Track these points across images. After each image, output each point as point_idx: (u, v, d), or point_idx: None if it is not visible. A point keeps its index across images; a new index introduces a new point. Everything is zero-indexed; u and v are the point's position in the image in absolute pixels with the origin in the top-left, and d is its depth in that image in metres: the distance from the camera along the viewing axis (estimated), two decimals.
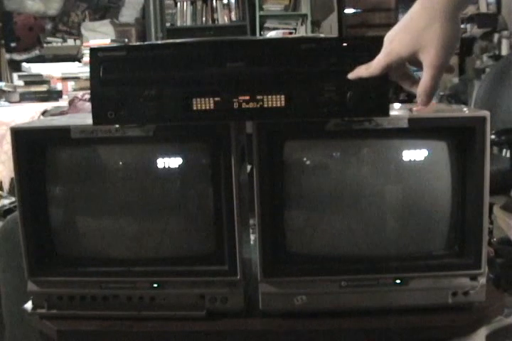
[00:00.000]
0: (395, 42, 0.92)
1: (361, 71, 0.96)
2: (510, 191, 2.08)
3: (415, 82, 0.95)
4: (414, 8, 0.91)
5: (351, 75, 0.97)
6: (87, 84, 1.11)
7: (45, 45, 4.94)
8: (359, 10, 7.50)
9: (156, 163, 1.10)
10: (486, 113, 1.05)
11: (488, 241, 1.10)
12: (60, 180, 1.14)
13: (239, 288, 1.11)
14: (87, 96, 2.59)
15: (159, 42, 1.62)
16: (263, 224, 1.08)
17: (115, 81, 1.02)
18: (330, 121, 1.05)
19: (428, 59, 0.87)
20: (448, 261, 1.10)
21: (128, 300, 1.12)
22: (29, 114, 2.77)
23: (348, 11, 7.09)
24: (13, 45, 4.89)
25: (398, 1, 7.68)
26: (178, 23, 6.32)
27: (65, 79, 3.60)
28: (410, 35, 0.89)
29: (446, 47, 0.87)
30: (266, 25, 6.14)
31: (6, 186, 2.42)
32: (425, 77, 0.88)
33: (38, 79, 3.56)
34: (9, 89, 3.50)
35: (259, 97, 1.01)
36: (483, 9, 6.12)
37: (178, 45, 1.05)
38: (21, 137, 1.09)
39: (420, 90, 0.90)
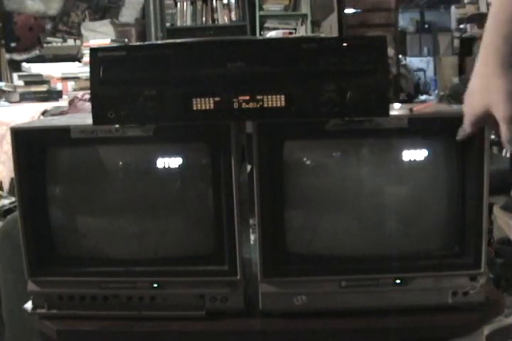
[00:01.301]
0: (468, 105, 0.99)
1: (461, 133, 1.03)
2: (510, 191, 2.08)
3: None
4: (476, 67, 0.97)
5: (459, 138, 1.04)
6: (87, 84, 1.10)
7: (45, 45, 4.94)
8: (359, 10, 7.50)
9: (156, 163, 1.10)
10: None
11: (488, 241, 1.10)
12: (60, 180, 1.14)
13: (239, 288, 1.11)
14: (87, 96, 2.59)
15: (159, 42, 1.62)
16: (263, 224, 1.08)
17: (115, 81, 1.02)
18: (330, 121, 1.05)
19: (498, 114, 0.94)
20: (448, 261, 1.10)
21: (128, 300, 1.12)
22: (29, 114, 2.77)
23: (348, 11, 7.09)
24: (13, 45, 4.89)
25: (398, 1, 7.68)
26: (178, 23, 6.32)
27: (65, 79, 3.60)
28: (479, 95, 0.96)
29: (510, 99, 0.93)
30: (266, 25, 6.13)
31: (6, 186, 2.42)
32: (502, 130, 0.95)
33: (38, 79, 3.56)
34: (9, 89, 3.50)
35: (259, 97, 1.01)
36: (483, 9, 6.12)
37: (178, 45, 1.06)
38: (21, 137, 1.09)
39: (504, 141, 0.96)
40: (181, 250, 1.13)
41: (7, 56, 4.87)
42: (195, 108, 1.01)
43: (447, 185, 1.09)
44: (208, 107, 1.01)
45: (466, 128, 1.02)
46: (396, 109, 1.18)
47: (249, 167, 1.17)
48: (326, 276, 1.10)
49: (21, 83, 3.58)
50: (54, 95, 3.47)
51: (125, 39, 4.48)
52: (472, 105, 0.98)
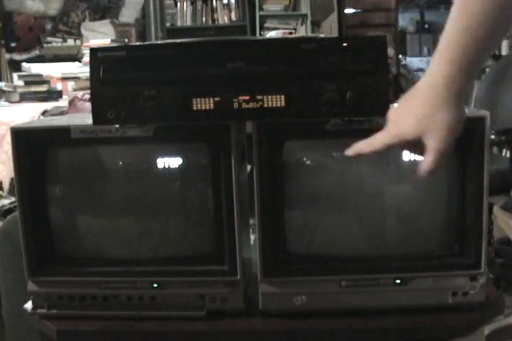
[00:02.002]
0: (400, 124, 0.90)
1: (361, 147, 0.93)
2: (510, 191, 2.08)
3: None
4: (419, 87, 0.89)
5: (350, 152, 0.94)
6: (87, 84, 1.10)
7: (45, 45, 4.94)
8: (359, 10, 7.49)
9: (156, 163, 1.10)
10: (486, 113, 1.05)
11: (488, 241, 1.10)
12: (60, 180, 1.14)
13: (239, 288, 1.11)
14: (87, 96, 2.59)
15: (159, 42, 1.62)
16: (263, 224, 1.08)
17: (115, 81, 1.02)
18: (330, 121, 1.05)
19: (432, 144, 0.87)
20: (448, 261, 1.10)
21: (128, 300, 1.12)
22: (29, 114, 2.77)
23: (348, 11, 7.08)
24: (13, 45, 4.89)
25: (398, 1, 7.68)
26: (178, 23, 6.32)
27: (65, 79, 3.59)
28: (415, 119, 0.88)
29: (451, 134, 0.87)
30: (266, 25, 6.13)
31: (6, 186, 2.42)
32: (427, 159, 0.88)
33: (38, 79, 3.56)
34: (9, 89, 3.50)
35: (259, 97, 1.01)
36: None
37: (178, 45, 1.06)
38: (21, 137, 1.09)
39: (421, 169, 0.89)
40: (181, 250, 1.13)
41: (7, 56, 4.87)
42: (195, 108, 1.01)
43: (447, 185, 1.09)
44: (208, 107, 1.01)
45: (375, 144, 0.91)
46: None
47: (249, 167, 1.17)
48: (326, 276, 1.10)
49: (21, 83, 3.58)
50: (54, 95, 3.46)
51: (125, 39, 4.48)
52: (402, 126, 0.89)
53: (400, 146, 0.92)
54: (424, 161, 0.88)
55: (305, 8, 6.10)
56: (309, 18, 6.02)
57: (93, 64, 1.03)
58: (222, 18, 6.26)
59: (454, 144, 0.89)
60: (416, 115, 0.88)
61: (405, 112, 0.90)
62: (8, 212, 2.09)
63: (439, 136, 0.87)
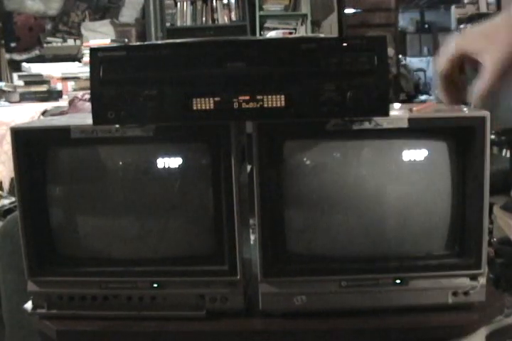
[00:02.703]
0: (466, 39, 0.86)
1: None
2: (510, 191, 2.08)
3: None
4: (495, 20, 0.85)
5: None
6: (87, 84, 1.10)
7: (45, 45, 4.94)
8: (359, 10, 7.50)
9: (156, 163, 1.10)
10: (486, 113, 1.05)
11: (488, 241, 1.10)
12: (60, 180, 1.14)
13: (239, 288, 1.11)
14: (87, 96, 2.59)
15: (159, 42, 1.62)
16: (263, 224, 1.08)
17: (115, 81, 1.02)
18: (330, 121, 1.05)
19: (490, 61, 0.81)
20: (448, 261, 1.10)
21: (128, 300, 1.12)
22: (29, 114, 2.77)
23: (348, 11, 7.09)
24: (13, 45, 4.90)
25: (398, 1, 7.69)
26: (178, 23, 6.32)
27: (65, 79, 3.60)
28: (484, 34, 0.83)
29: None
30: (266, 25, 6.13)
31: (6, 186, 2.43)
32: (485, 79, 0.82)
33: (38, 79, 3.56)
34: (9, 89, 3.51)
35: (259, 97, 1.01)
36: (483, 9, 6.12)
37: (178, 45, 1.05)
38: (21, 137, 1.09)
39: (478, 94, 0.84)
40: (181, 250, 1.13)
41: (7, 56, 4.88)
42: (195, 108, 1.01)
43: (447, 185, 1.09)
44: (208, 107, 1.01)
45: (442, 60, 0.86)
46: (396, 109, 1.18)
47: (249, 167, 1.17)
48: (326, 276, 1.10)
49: (21, 83, 3.58)
50: (54, 95, 3.47)
51: (125, 39, 4.48)
52: (471, 40, 0.84)
53: (456, 60, 0.86)
54: (480, 84, 0.82)
55: (305, 8, 6.11)
56: (309, 18, 6.02)
57: (93, 64, 1.02)
58: (222, 18, 6.27)
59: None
60: (484, 31, 0.84)
61: (474, 32, 0.85)
62: (8, 212, 2.09)
63: (499, 53, 0.80)
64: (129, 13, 5.12)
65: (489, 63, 0.82)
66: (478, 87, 0.84)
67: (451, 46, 0.87)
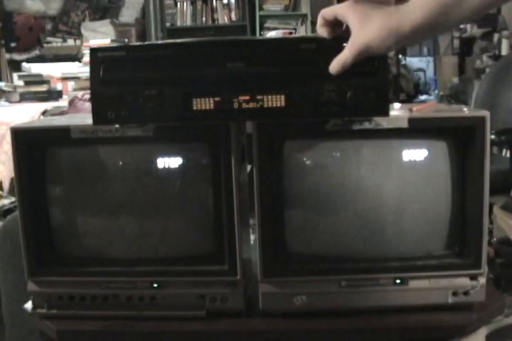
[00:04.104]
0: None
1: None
2: (510, 191, 2.08)
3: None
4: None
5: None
6: (87, 84, 1.10)
7: (45, 45, 4.95)
8: None
9: (156, 163, 1.10)
10: (486, 113, 1.05)
11: (488, 241, 1.10)
12: (60, 180, 1.14)
13: (239, 288, 1.11)
14: (87, 96, 2.60)
15: (159, 42, 1.62)
16: (263, 224, 1.08)
17: (115, 81, 1.02)
18: (330, 121, 1.05)
19: (356, 36, 0.90)
20: (448, 261, 1.10)
21: (128, 300, 1.12)
22: (29, 114, 2.77)
23: None
24: (13, 45, 4.90)
25: (398, 1, 7.67)
26: (178, 23, 6.33)
27: (65, 79, 3.60)
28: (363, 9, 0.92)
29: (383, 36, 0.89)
30: (266, 25, 6.14)
31: (6, 186, 2.43)
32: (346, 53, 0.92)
33: (38, 79, 3.56)
34: (9, 89, 3.51)
35: (259, 97, 1.01)
36: None
37: (178, 45, 1.05)
38: (21, 137, 1.09)
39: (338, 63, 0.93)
40: (181, 250, 1.13)
41: (7, 56, 4.88)
42: (195, 108, 1.01)
43: (447, 185, 1.09)
44: (207, 107, 1.01)
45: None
46: (396, 109, 1.18)
47: (249, 167, 1.17)
48: (326, 276, 1.10)
49: (21, 83, 3.58)
50: (54, 95, 3.47)
51: (125, 39, 4.49)
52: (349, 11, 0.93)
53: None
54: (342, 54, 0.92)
55: (305, 8, 6.12)
56: (309, 18, 6.03)
57: (93, 64, 1.02)
58: (222, 18, 6.27)
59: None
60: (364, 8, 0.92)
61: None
62: (8, 212, 2.09)
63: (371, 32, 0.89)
64: (129, 13, 5.12)
65: (354, 42, 0.91)
66: (339, 58, 0.93)
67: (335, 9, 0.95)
